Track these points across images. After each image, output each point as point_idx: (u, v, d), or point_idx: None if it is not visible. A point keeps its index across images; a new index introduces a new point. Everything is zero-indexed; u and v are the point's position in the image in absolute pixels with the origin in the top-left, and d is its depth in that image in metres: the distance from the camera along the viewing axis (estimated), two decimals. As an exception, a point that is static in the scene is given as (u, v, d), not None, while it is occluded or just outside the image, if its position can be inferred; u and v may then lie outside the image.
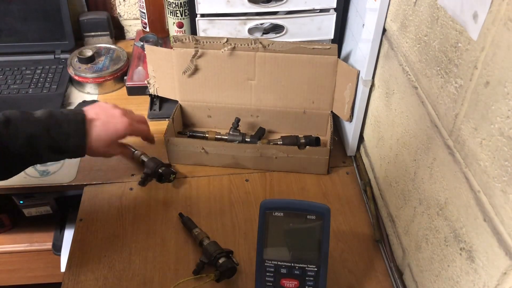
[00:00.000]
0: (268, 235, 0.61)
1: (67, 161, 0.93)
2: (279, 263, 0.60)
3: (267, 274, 0.61)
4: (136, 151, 0.93)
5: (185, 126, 1.02)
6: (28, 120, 0.71)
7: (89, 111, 0.75)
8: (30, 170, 0.91)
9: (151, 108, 1.06)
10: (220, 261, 0.70)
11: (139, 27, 1.29)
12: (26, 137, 0.69)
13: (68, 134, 0.71)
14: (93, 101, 0.92)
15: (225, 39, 0.88)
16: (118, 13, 1.29)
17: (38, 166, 0.92)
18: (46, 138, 0.70)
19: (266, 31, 0.97)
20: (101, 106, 0.78)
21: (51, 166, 0.92)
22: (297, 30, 0.95)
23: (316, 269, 0.60)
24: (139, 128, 0.81)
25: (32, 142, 0.69)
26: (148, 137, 0.86)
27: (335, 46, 0.87)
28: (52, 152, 0.72)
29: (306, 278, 0.60)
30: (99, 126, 0.74)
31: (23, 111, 0.74)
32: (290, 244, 0.61)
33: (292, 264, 0.60)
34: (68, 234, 0.99)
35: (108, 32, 1.24)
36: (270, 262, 0.61)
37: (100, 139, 0.74)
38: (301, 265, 0.60)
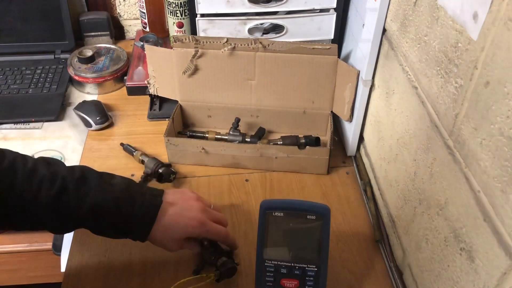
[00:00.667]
0: (268, 235, 0.61)
1: (67, 160, 0.94)
2: (279, 263, 0.60)
3: (267, 274, 0.61)
4: (136, 151, 0.93)
5: (185, 126, 1.02)
6: (103, 188, 0.65)
7: (168, 195, 0.68)
8: (30, 170, 0.91)
9: (151, 108, 1.06)
10: (220, 260, 0.70)
11: (139, 27, 1.29)
12: (93, 208, 0.63)
13: (136, 217, 0.65)
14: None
15: (225, 39, 0.88)
16: (118, 13, 1.29)
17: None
18: (113, 214, 0.64)
19: (266, 31, 0.97)
20: (182, 194, 0.70)
21: (51, 166, 0.92)
22: (297, 30, 0.95)
23: (316, 269, 0.60)
24: (213, 230, 0.69)
25: (96, 213, 0.63)
26: (226, 242, 0.72)
27: (335, 46, 0.86)
28: (113, 230, 0.66)
29: (306, 278, 0.60)
30: (171, 216, 0.66)
31: (101, 174, 0.67)
32: (290, 244, 0.61)
33: (292, 264, 0.60)
34: (68, 234, 0.99)
35: (108, 32, 1.24)
36: (270, 262, 0.61)
37: (164, 232, 0.66)
38: (301, 265, 0.60)
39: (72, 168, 0.66)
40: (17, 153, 0.65)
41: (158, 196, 0.67)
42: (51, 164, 0.65)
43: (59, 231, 0.69)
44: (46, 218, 0.63)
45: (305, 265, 0.60)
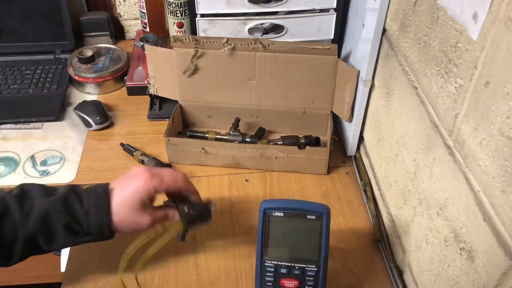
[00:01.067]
0: (268, 235, 0.61)
1: (67, 161, 0.94)
2: (279, 263, 0.60)
3: (267, 274, 0.61)
4: (136, 151, 0.93)
5: (185, 126, 1.02)
6: (47, 196, 0.61)
7: (113, 181, 0.64)
8: (30, 170, 0.91)
9: (151, 108, 1.06)
10: (187, 206, 0.64)
11: (139, 27, 1.29)
12: (41, 215, 0.58)
13: (87, 211, 0.60)
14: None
15: (225, 39, 0.88)
16: (118, 13, 1.29)
17: (39, 166, 0.92)
18: (64, 215, 0.59)
19: (266, 31, 0.97)
20: (125, 174, 0.65)
21: (51, 166, 0.92)
22: (297, 30, 0.95)
23: (316, 269, 0.60)
24: (167, 177, 0.63)
25: (48, 220, 0.59)
26: (191, 187, 0.67)
27: (335, 46, 0.87)
28: (68, 233, 0.60)
29: (306, 278, 0.60)
30: (118, 192, 0.62)
31: (43, 186, 0.63)
32: (290, 244, 0.61)
33: (292, 264, 0.60)
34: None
35: (108, 32, 1.24)
36: (270, 262, 0.61)
37: (123, 209, 0.61)
38: (301, 265, 0.60)
39: (10, 188, 0.62)
40: None
41: (101, 185, 0.63)
42: None
43: (4, 262, 0.60)
44: None
45: (305, 265, 0.60)
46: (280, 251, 0.61)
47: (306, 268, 0.60)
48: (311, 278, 0.60)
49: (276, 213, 0.60)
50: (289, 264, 0.60)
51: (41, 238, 0.60)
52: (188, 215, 0.64)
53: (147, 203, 0.62)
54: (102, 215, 0.60)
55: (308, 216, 0.60)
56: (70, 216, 0.60)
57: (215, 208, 0.66)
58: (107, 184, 0.63)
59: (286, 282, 0.60)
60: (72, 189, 0.62)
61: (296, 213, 0.60)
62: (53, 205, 0.59)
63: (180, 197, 0.67)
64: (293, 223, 0.61)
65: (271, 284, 0.61)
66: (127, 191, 0.61)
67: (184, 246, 0.77)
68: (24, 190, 0.61)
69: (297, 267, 0.60)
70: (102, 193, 0.61)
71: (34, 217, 0.58)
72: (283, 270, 0.60)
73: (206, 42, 0.88)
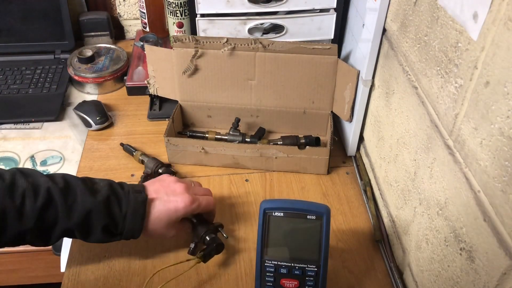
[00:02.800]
0: (268, 235, 0.61)
1: (67, 161, 0.94)
2: (279, 263, 0.60)
3: (267, 274, 0.61)
4: (136, 151, 0.93)
5: (185, 126, 1.02)
6: (90, 194, 0.64)
7: (150, 187, 0.69)
8: (30, 170, 0.91)
9: (151, 108, 1.06)
10: (209, 237, 0.72)
11: (139, 27, 1.29)
12: (84, 214, 0.63)
13: (124, 216, 0.65)
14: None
15: (225, 39, 0.88)
16: (118, 13, 1.29)
17: (38, 166, 0.92)
18: (104, 216, 0.63)
19: (266, 31, 0.97)
20: (162, 181, 0.71)
21: (51, 166, 0.92)
22: (297, 30, 0.95)
23: (316, 269, 0.60)
24: (205, 202, 0.71)
25: (88, 219, 0.63)
26: (214, 211, 0.76)
27: (335, 46, 0.86)
28: (103, 232, 0.64)
29: (306, 278, 0.60)
30: (158, 206, 0.67)
31: (84, 180, 0.66)
32: (290, 244, 0.61)
33: (292, 264, 0.60)
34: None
35: (108, 32, 1.24)
36: (270, 262, 0.61)
37: (159, 221, 0.67)
38: (301, 265, 0.60)
39: (53, 177, 0.64)
40: None
41: (140, 194, 0.67)
42: (29, 175, 0.63)
43: (41, 244, 0.64)
44: (29, 231, 0.61)
45: (305, 265, 0.60)
46: (280, 251, 0.61)
47: (306, 268, 0.60)
48: (311, 278, 0.60)
49: (276, 213, 0.60)
50: (289, 264, 0.60)
51: (78, 233, 0.64)
52: (210, 252, 0.71)
53: (179, 220, 0.70)
54: (137, 223, 0.65)
55: (308, 216, 0.60)
56: (110, 219, 0.64)
57: (227, 236, 0.75)
58: (145, 191, 0.68)
59: (286, 282, 0.60)
60: (113, 191, 0.66)
61: (296, 213, 0.60)
62: (95, 205, 0.63)
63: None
64: (293, 223, 0.61)
65: (271, 284, 0.61)
66: (167, 208, 0.67)
67: (185, 246, 0.77)
68: (67, 183, 0.64)
69: (297, 267, 0.60)
70: (142, 202, 0.66)
71: (77, 214, 0.62)
72: (283, 270, 0.60)
73: (206, 42, 0.88)
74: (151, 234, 0.68)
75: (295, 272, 0.60)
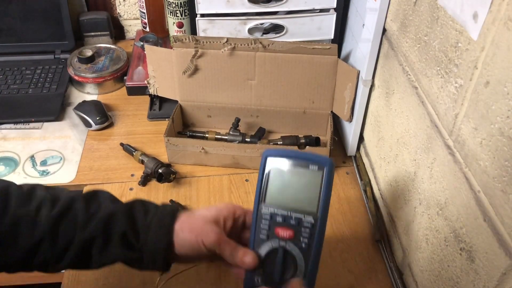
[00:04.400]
0: (267, 183, 0.58)
1: (67, 160, 0.94)
2: (275, 211, 0.58)
3: (263, 221, 0.58)
4: (136, 151, 0.93)
5: (185, 126, 1.02)
6: (115, 201, 0.58)
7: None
8: (30, 170, 0.91)
9: (151, 108, 1.06)
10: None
11: (139, 27, 1.29)
12: (105, 217, 0.55)
13: (148, 225, 0.56)
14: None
15: (225, 39, 0.88)
16: (118, 13, 1.29)
17: (38, 166, 0.92)
18: (124, 220, 0.56)
19: (266, 31, 0.97)
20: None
21: (51, 166, 0.92)
22: (297, 30, 0.95)
23: (313, 221, 0.56)
24: (245, 208, 0.62)
25: (109, 223, 0.55)
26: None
27: (335, 46, 0.86)
28: (121, 244, 0.55)
29: (302, 230, 0.57)
30: (189, 212, 0.60)
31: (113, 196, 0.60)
32: (289, 194, 0.58)
33: (289, 214, 0.57)
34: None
35: (108, 32, 1.24)
36: (267, 209, 0.58)
37: (188, 220, 0.58)
38: (297, 216, 0.57)
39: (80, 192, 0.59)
40: (10, 182, 0.58)
41: (171, 206, 0.61)
42: (51, 188, 0.58)
43: (53, 266, 0.56)
44: (42, 246, 0.54)
45: (302, 216, 0.57)
46: (278, 200, 0.58)
47: (303, 219, 0.57)
48: (307, 230, 0.56)
49: (278, 161, 0.58)
50: (285, 213, 0.57)
51: (96, 244, 0.55)
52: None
53: (220, 221, 0.59)
54: (163, 235, 0.56)
55: (310, 166, 0.57)
56: (130, 224, 0.56)
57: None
58: (178, 208, 0.60)
59: (281, 231, 0.57)
60: (141, 200, 0.60)
61: (298, 162, 0.57)
62: (118, 208, 0.57)
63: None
64: (294, 173, 0.58)
65: (265, 231, 0.58)
66: (204, 209, 0.60)
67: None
68: (95, 193, 0.59)
69: (293, 217, 0.57)
70: (170, 212, 0.58)
71: (97, 219, 0.55)
72: (279, 219, 0.57)
73: (206, 42, 0.88)
74: (182, 242, 0.56)
75: (291, 221, 0.57)
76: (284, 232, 0.57)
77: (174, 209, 0.59)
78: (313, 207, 0.57)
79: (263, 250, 0.57)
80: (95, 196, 0.58)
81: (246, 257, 0.56)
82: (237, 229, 0.61)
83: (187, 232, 0.57)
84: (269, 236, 0.57)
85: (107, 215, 0.56)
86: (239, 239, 0.60)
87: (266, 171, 0.58)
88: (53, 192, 0.57)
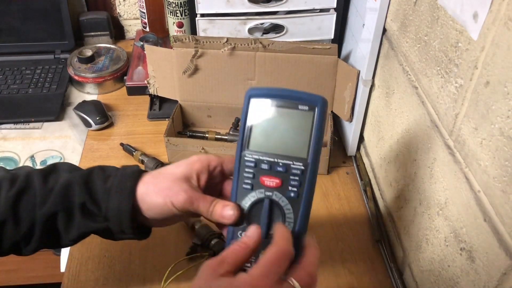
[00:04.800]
0: (252, 126, 0.52)
1: (67, 160, 0.94)
2: (260, 157, 0.51)
3: (246, 169, 0.51)
4: (136, 151, 0.93)
5: (185, 126, 1.02)
6: (74, 170, 0.54)
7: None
8: (30, 170, 0.91)
9: (151, 108, 1.06)
10: (213, 242, 0.74)
11: (139, 27, 1.29)
12: (62, 188, 0.52)
13: (108, 191, 0.51)
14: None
15: (225, 39, 0.88)
16: (118, 13, 1.29)
17: (38, 166, 0.92)
18: (82, 189, 0.52)
19: (266, 31, 0.97)
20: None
21: (51, 166, 0.92)
22: (297, 30, 0.95)
23: (303, 167, 0.50)
24: (220, 158, 0.57)
25: (67, 195, 0.51)
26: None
27: (335, 46, 0.86)
28: (83, 215, 0.52)
29: (290, 177, 0.50)
30: (156, 171, 0.55)
31: (75, 166, 0.56)
32: (276, 138, 0.52)
33: (275, 160, 0.51)
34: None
35: (108, 32, 1.24)
36: (251, 156, 0.51)
37: (153, 180, 0.53)
38: (285, 162, 0.50)
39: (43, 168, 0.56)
40: None
41: (134, 166, 0.55)
42: (14, 169, 0.56)
43: (25, 247, 0.53)
44: (5, 228, 0.51)
45: (291, 162, 0.50)
46: (264, 145, 0.52)
47: (292, 165, 0.50)
48: (296, 178, 0.50)
49: (263, 102, 0.52)
50: (272, 160, 0.51)
51: (60, 219, 0.52)
52: (215, 254, 0.66)
53: (193, 177, 0.53)
54: (123, 199, 0.51)
55: (299, 106, 0.50)
56: (89, 193, 0.52)
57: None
58: (140, 168, 0.55)
59: (266, 180, 0.51)
60: (101, 166, 0.54)
61: (287, 102, 0.51)
62: (75, 178, 0.52)
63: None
64: (282, 114, 0.51)
65: (249, 181, 0.51)
66: (172, 165, 0.54)
67: (185, 247, 0.77)
68: (55, 166, 0.55)
69: (280, 164, 0.50)
70: (131, 173, 0.53)
71: (55, 193, 0.52)
72: (265, 166, 0.51)
73: (206, 42, 0.88)
74: (149, 204, 0.52)
75: (278, 168, 0.50)
76: (270, 181, 0.51)
77: (135, 170, 0.53)
78: (303, 152, 0.51)
79: (247, 202, 0.51)
80: (54, 169, 0.54)
81: (226, 211, 0.50)
82: (216, 181, 0.56)
83: (154, 194, 0.51)
84: (254, 186, 0.51)
85: (63, 187, 0.52)
86: (220, 193, 0.56)
87: (250, 113, 0.52)
88: (14, 171, 0.54)
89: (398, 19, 0.72)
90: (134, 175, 0.52)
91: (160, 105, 1.05)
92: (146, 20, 1.20)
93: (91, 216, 0.52)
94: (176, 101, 0.98)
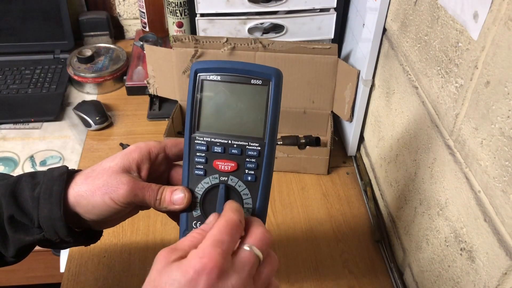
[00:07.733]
0: (200, 106, 0.48)
1: (66, 161, 0.93)
2: (212, 139, 0.47)
3: (197, 154, 0.48)
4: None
5: (184, 126, 1.02)
6: (1, 179, 0.48)
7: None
8: (29, 170, 0.91)
9: (150, 108, 1.06)
10: None
11: (139, 26, 1.29)
12: None
13: (37, 199, 0.46)
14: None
15: (225, 39, 0.87)
16: (118, 12, 1.29)
17: (38, 166, 0.92)
18: (7, 201, 0.46)
19: (266, 30, 0.97)
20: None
21: (51, 166, 0.92)
22: (297, 30, 0.95)
23: (259, 148, 0.47)
24: (163, 142, 0.52)
25: None
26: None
27: (335, 46, 0.86)
28: (14, 229, 0.46)
29: (246, 160, 0.47)
30: (89, 169, 0.49)
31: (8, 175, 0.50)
32: (227, 117, 0.48)
33: (229, 141, 0.47)
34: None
35: (107, 32, 1.24)
36: (202, 138, 0.48)
37: (88, 180, 0.48)
38: (240, 143, 0.47)
39: None
40: None
41: (62, 168, 0.50)
42: None
43: None
44: None
45: (246, 143, 0.47)
46: (215, 126, 0.48)
47: (247, 146, 0.47)
48: (253, 160, 0.47)
49: (211, 77, 0.47)
50: (225, 141, 0.47)
51: None
52: None
53: (132, 168, 0.49)
54: (54, 203, 0.46)
55: (252, 81, 0.47)
56: (16, 205, 0.46)
57: None
58: (68, 169, 0.49)
59: (220, 164, 0.47)
60: (31, 173, 0.49)
61: (237, 76, 0.47)
62: (1, 189, 0.47)
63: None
64: (233, 90, 0.47)
65: (201, 166, 0.48)
66: (107, 159, 0.50)
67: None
68: None
69: (235, 145, 0.47)
70: (58, 175, 0.47)
71: None
72: (217, 149, 0.47)
73: (206, 42, 0.88)
74: (88, 205, 0.47)
75: (233, 151, 0.47)
76: (225, 166, 0.47)
77: (62, 172, 0.48)
78: (258, 131, 0.47)
79: (201, 189, 0.47)
80: None
81: (175, 195, 0.46)
82: (161, 170, 0.51)
83: (89, 195, 0.46)
84: (207, 171, 0.47)
85: None
86: (168, 182, 0.51)
87: (198, 90, 0.47)
88: None
89: (398, 19, 0.72)
90: (62, 177, 0.47)
91: (159, 105, 1.05)
92: (145, 20, 1.20)
93: (23, 229, 0.47)
94: (176, 101, 0.98)
